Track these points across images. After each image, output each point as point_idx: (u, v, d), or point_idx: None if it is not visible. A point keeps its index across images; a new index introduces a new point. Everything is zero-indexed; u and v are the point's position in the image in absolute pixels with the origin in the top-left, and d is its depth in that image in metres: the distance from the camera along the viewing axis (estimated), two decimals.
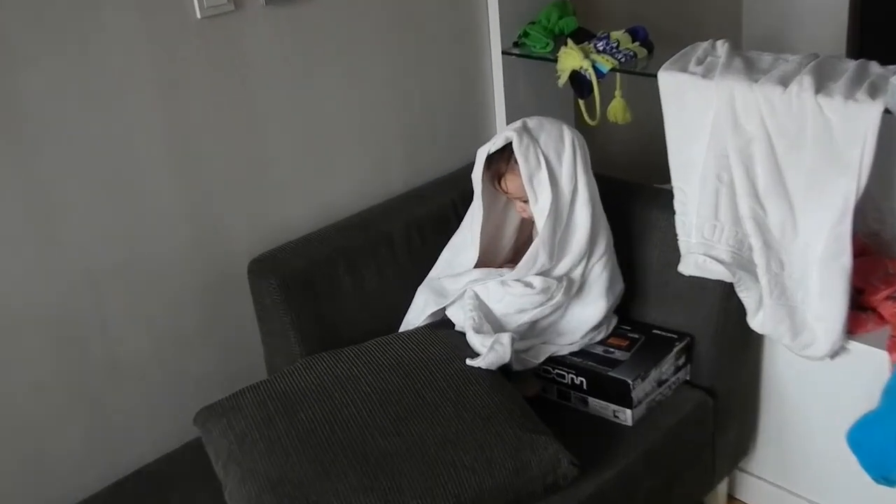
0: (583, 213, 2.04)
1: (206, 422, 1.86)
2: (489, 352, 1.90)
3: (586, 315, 2.10)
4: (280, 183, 2.13)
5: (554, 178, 1.99)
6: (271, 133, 2.09)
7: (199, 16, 1.90)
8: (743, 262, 2.01)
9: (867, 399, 1.96)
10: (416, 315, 2.14)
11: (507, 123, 2.45)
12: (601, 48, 2.26)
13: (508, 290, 2.03)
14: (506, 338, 1.92)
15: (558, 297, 2.03)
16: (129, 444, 2.01)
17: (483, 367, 1.89)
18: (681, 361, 2.13)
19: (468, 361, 1.91)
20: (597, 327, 2.12)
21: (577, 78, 2.27)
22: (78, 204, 1.83)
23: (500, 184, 2.08)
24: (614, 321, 2.17)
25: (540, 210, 2.00)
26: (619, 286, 2.17)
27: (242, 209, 2.08)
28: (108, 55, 1.80)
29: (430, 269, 2.18)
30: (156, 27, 1.85)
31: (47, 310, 1.84)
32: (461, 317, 2.05)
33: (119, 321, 1.94)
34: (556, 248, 2.03)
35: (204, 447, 1.87)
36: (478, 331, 1.97)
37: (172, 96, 1.91)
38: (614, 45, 2.26)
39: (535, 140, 2.00)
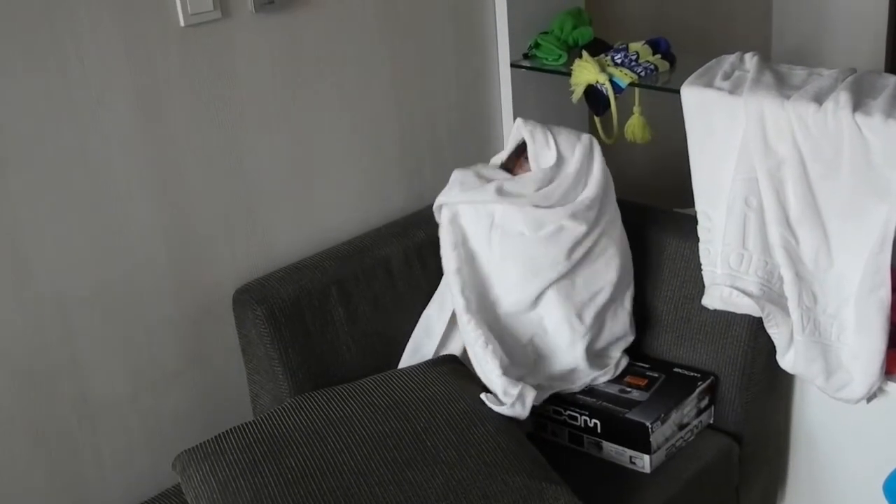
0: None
1: (185, 467, 1.84)
2: (509, 408, 1.92)
3: (570, 360, 2.11)
4: (268, 205, 2.12)
5: (562, 162, 2.05)
6: (259, 150, 2.08)
7: (182, 23, 1.90)
8: (773, 295, 2.00)
9: None
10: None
11: None
12: (619, 61, 2.27)
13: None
14: (529, 397, 1.93)
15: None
16: (100, 492, 1.99)
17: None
18: (704, 403, 2.12)
19: (483, 397, 1.92)
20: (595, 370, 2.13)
21: (592, 93, 2.27)
22: (48, 225, 1.82)
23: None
24: (624, 362, 2.17)
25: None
26: (630, 338, 2.19)
27: (227, 233, 2.07)
28: (83, 65, 1.79)
29: (432, 299, 2.18)
30: (135, 36, 1.85)
31: (11, 340, 1.82)
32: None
33: (91, 354, 1.93)
34: None
35: (183, 495, 1.85)
36: (505, 372, 1.97)
37: (152, 110, 1.91)
38: (633, 57, 2.27)
39: (545, 127, 2.09)
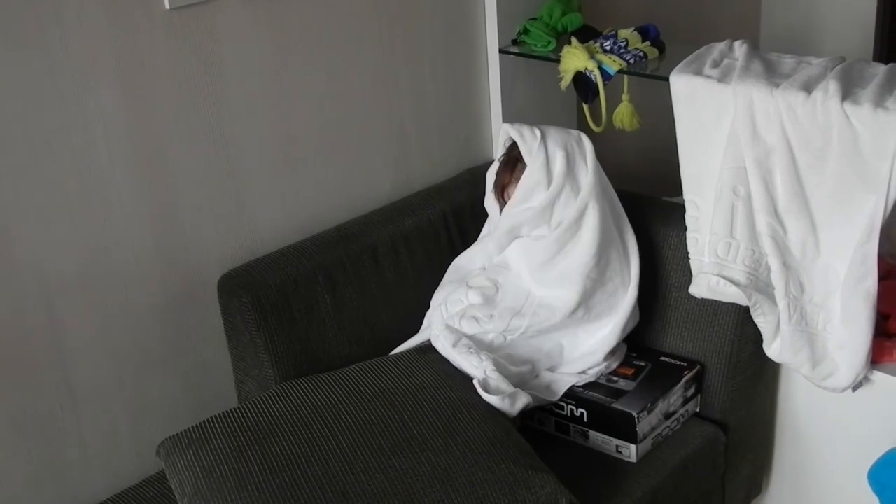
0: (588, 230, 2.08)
1: (170, 453, 1.84)
2: (499, 401, 1.91)
3: (591, 345, 2.11)
4: (254, 190, 2.12)
5: (550, 152, 2.07)
6: (245, 135, 2.08)
7: (167, 6, 1.89)
8: (759, 284, 2.01)
9: (891, 435, 1.98)
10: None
11: None
12: (608, 48, 2.27)
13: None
14: (521, 402, 1.93)
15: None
16: (83, 479, 1.99)
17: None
18: (690, 392, 2.13)
19: (476, 383, 1.92)
20: (609, 356, 2.13)
21: (581, 80, 2.26)
22: (31, 210, 1.81)
23: (503, 196, 2.16)
24: (624, 347, 2.17)
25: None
26: (635, 320, 2.18)
27: (212, 218, 2.07)
28: (67, 47, 1.78)
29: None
30: (119, 18, 1.84)
31: None
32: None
33: (75, 340, 1.92)
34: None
35: (167, 481, 1.85)
36: (499, 371, 1.98)
37: (137, 94, 1.89)
38: (622, 44, 2.26)
39: (531, 125, 2.10)
